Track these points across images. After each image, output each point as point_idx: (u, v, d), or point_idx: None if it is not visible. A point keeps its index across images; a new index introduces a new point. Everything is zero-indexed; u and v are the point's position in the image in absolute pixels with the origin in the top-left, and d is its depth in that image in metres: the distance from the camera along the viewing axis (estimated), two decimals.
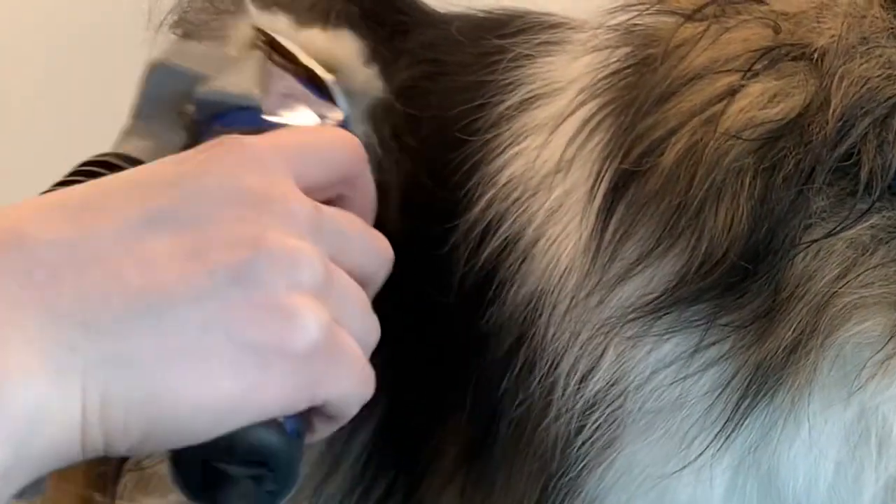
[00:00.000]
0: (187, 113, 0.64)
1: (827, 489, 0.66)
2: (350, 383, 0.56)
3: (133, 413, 0.50)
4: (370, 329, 0.59)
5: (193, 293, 0.51)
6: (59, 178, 0.63)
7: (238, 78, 0.64)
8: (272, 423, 0.53)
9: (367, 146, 0.69)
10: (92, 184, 0.55)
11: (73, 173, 0.62)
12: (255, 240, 0.53)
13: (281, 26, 0.72)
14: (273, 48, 0.68)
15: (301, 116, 0.65)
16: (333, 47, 0.72)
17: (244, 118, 0.63)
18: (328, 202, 0.60)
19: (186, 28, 0.92)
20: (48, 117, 1.67)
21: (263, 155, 0.56)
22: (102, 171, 0.62)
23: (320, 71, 0.68)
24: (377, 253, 0.61)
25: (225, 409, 0.52)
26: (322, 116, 0.66)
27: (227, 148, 0.56)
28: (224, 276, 0.52)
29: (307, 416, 0.56)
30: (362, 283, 0.59)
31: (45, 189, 0.62)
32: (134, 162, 0.63)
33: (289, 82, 0.66)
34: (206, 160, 0.55)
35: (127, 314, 0.50)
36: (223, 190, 0.54)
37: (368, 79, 0.73)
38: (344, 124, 0.67)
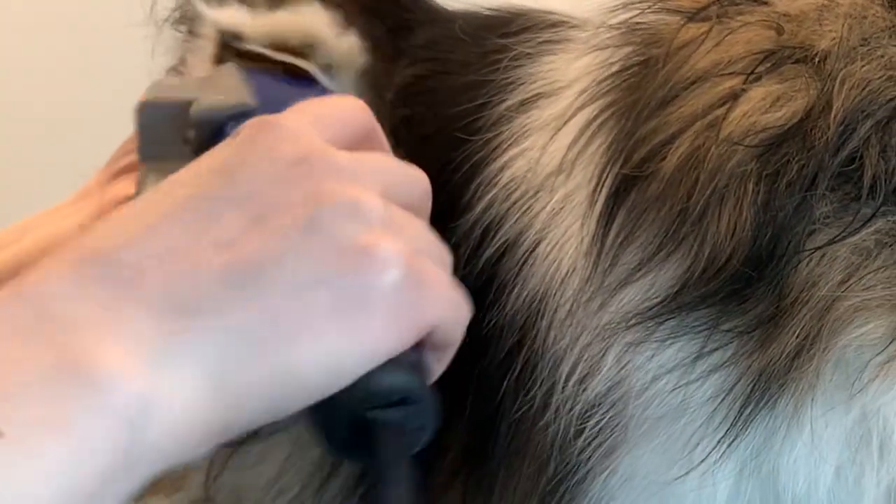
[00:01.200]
0: (191, 138, 0.64)
1: (827, 493, 0.66)
2: (446, 305, 0.58)
3: (251, 385, 0.52)
4: (441, 250, 0.61)
5: (276, 255, 0.53)
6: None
7: (224, 90, 0.65)
8: (393, 363, 0.55)
9: None
10: (139, 199, 0.57)
11: None
12: (313, 196, 0.55)
13: (240, 17, 0.72)
14: (240, 56, 0.70)
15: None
16: (306, 21, 0.72)
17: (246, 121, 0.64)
18: None
19: (189, 25, 0.93)
20: (49, 116, 1.68)
21: (291, 125, 0.58)
22: None
23: (294, 60, 0.69)
24: (418, 182, 0.63)
25: (340, 359, 0.53)
26: None
27: (254, 130, 0.58)
28: (296, 232, 0.54)
29: (419, 355, 0.57)
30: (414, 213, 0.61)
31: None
32: None
33: (269, 80, 0.68)
34: (239, 145, 0.57)
35: (218, 291, 0.52)
36: (267, 162, 0.56)
37: (349, 48, 0.74)
38: None
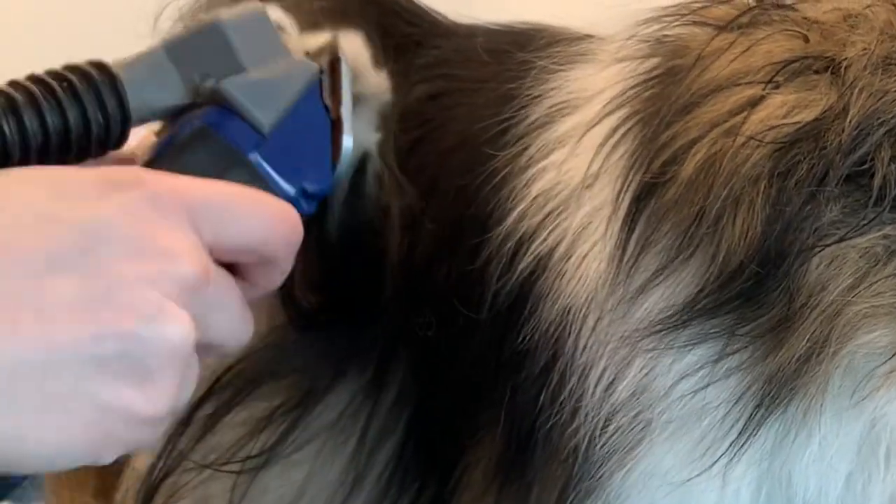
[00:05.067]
0: (199, 85, 0.68)
1: (836, 500, 0.71)
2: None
3: None
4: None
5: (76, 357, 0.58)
6: None
7: (272, 90, 0.69)
8: None
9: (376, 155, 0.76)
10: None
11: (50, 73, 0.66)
12: (139, 309, 0.59)
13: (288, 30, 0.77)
14: (333, 71, 0.74)
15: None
16: (351, 49, 0.76)
17: (234, 134, 0.67)
18: (232, 264, 0.65)
19: None
20: None
21: (169, 205, 0.61)
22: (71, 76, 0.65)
23: (346, 119, 0.73)
24: (237, 336, 0.66)
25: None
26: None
27: (135, 192, 0.61)
28: (106, 344, 0.58)
29: None
30: (208, 348, 0.65)
31: None
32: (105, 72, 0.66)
33: (313, 111, 0.72)
34: (113, 203, 0.60)
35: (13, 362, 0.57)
36: (124, 239, 0.59)
37: (380, 83, 0.78)
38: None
